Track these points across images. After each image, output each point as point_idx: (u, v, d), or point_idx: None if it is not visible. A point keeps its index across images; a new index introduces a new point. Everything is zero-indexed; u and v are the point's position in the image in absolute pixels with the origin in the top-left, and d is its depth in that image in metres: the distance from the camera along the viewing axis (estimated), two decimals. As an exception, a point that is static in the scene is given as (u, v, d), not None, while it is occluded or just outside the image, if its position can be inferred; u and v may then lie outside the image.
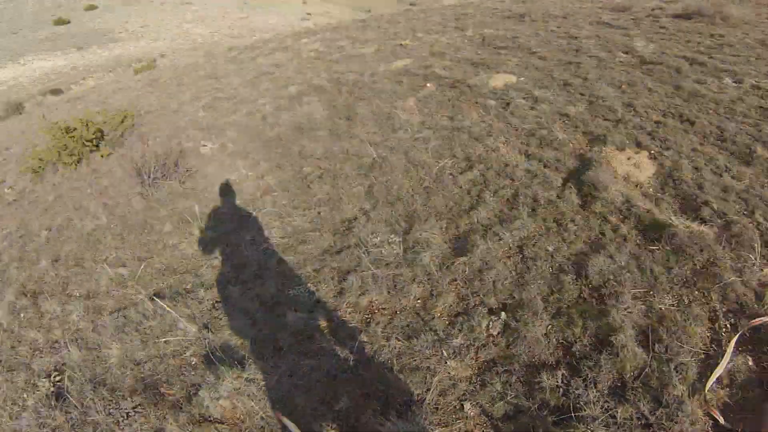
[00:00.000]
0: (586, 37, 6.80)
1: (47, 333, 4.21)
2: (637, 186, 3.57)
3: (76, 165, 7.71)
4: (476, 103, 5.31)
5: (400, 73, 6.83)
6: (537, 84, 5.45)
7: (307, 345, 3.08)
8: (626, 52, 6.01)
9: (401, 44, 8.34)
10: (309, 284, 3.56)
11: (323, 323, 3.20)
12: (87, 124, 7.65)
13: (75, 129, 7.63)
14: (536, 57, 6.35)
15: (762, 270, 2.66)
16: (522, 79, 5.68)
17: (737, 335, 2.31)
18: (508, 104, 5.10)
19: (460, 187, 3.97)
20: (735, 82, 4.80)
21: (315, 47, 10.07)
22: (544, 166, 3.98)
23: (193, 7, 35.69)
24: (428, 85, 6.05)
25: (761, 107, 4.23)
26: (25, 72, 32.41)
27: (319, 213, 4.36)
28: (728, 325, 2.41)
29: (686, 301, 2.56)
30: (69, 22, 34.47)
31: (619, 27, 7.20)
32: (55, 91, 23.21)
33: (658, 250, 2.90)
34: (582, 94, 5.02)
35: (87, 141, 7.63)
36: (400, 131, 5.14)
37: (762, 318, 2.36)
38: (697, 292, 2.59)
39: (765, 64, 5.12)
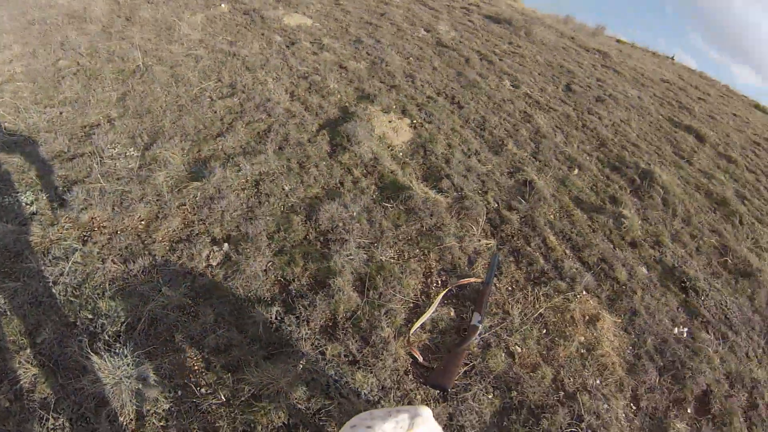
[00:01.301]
0: (397, 6, 6.96)
1: None
2: (389, 147, 3.67)
3: None
4: (262, 35, 5.10)
5: (199, -13, 6.22)
6: (329, 33, 5.41)
7: (14, 264, 2.68)
8: (428, 31, 6.22)
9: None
10: (28, 192, 3.07)
11: (36, 239, 2.79)
12: None
13: None
14: (340, 9, 6.33)
15: (479, 241, 2.95)
16: (317, 25, 5.58)
17: (445, 290, 2.60)
18: (293, 44, 5.00)
19: (215, 112, 3.64)
20: (512, 85, 5.27)
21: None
22: (306, 110, 3.90)
23: None
24: (222, 5, 5.56)
25: (525, 112, 4.65)
26: None
27: (61, 113, 3.71)
28: (439, 282, 2.68)
29: (406, 256, 2.75)
30: None
31: (432, 8, 7.50)
32: None
33: (391, 207, 3.01)
34: (369, 54, 5.08)
35: None
36: (175, 44, 4.54)
37: (469, 279, 2.69)
38: (418, 250, 2.79)
39: (543, 80, 5.80)
